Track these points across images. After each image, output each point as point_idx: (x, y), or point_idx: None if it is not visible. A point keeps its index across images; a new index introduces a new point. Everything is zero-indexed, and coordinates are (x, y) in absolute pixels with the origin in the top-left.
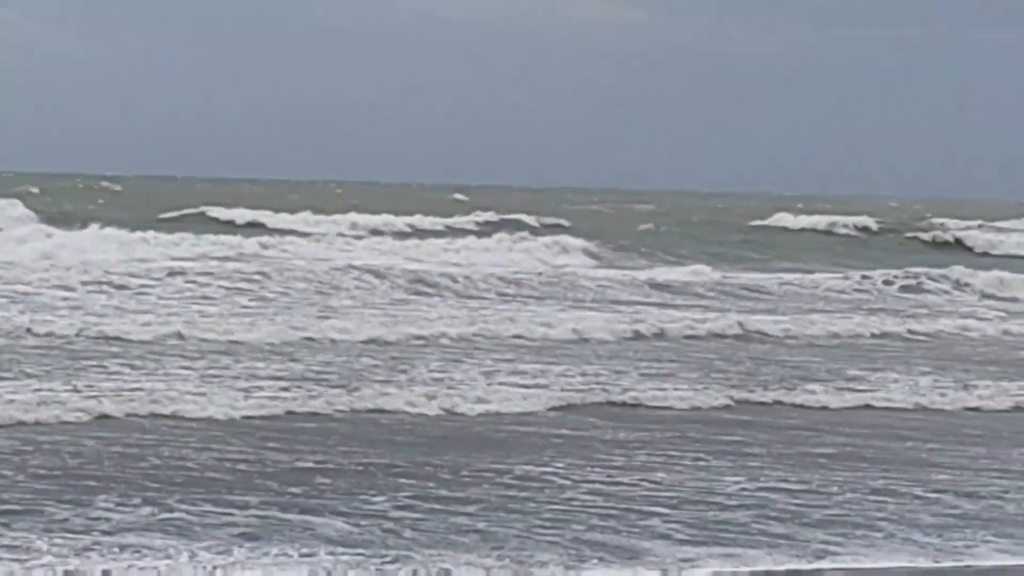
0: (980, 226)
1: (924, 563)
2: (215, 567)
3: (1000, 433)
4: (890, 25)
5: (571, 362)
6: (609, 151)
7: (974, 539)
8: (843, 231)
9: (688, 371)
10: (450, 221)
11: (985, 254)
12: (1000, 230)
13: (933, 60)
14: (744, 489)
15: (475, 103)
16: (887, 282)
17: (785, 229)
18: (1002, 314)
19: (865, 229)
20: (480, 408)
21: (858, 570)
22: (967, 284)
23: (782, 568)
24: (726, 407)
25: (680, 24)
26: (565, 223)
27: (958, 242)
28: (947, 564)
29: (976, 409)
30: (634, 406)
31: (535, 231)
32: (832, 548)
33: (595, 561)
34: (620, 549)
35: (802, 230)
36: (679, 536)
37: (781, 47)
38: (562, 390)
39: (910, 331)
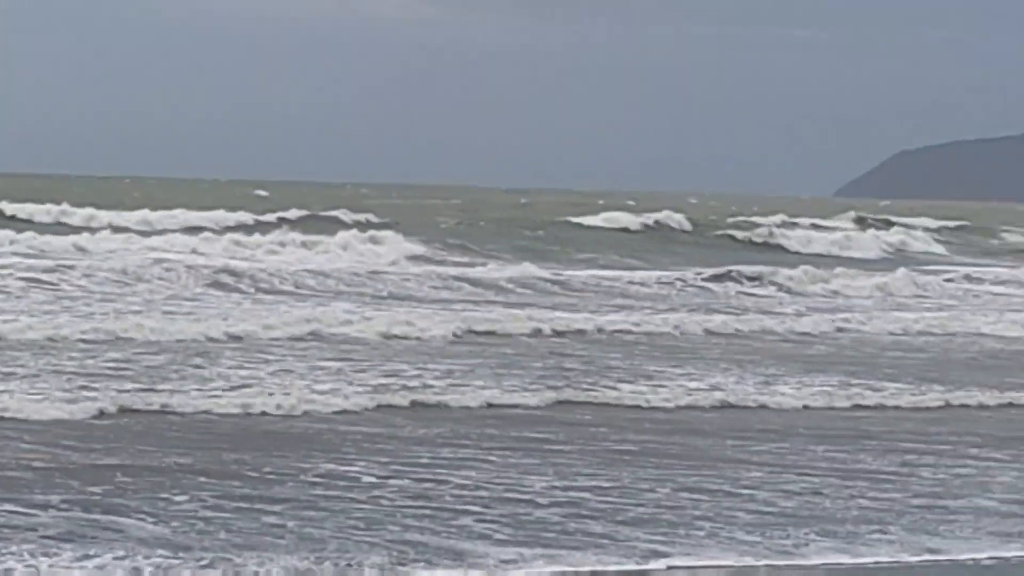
0: (783, 223)
1: (761, 562)
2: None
3: (797, 429)
4: (686, 21)
5: (377, 359)
6: (407, 146)
7: (798, 537)
8: (652, 227)
9: (492, 368)
10: (261, 217)
11: (797, 252)
12: (815, 227)
13: (728, 57)
14: (555, 487)
15: (268, 98)
16: (696, 279)
17: (591, 227)
18: (804, 311)
19: (666, 227)
20: (276, 403)
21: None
22: (775, 283)
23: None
24: (531, 405)
25: (475, 20)
26: (374, 218)
27: (767, 240)
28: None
29: (765, 407)
30: (436, 406)
31: (347, 227)
32: (659, 548)
33: (421, 564)
34: (442, 550)
35: (608, 228)
36: (498, 536)
37: (575, 43)
38: (364, 387)
39: (718, 327)
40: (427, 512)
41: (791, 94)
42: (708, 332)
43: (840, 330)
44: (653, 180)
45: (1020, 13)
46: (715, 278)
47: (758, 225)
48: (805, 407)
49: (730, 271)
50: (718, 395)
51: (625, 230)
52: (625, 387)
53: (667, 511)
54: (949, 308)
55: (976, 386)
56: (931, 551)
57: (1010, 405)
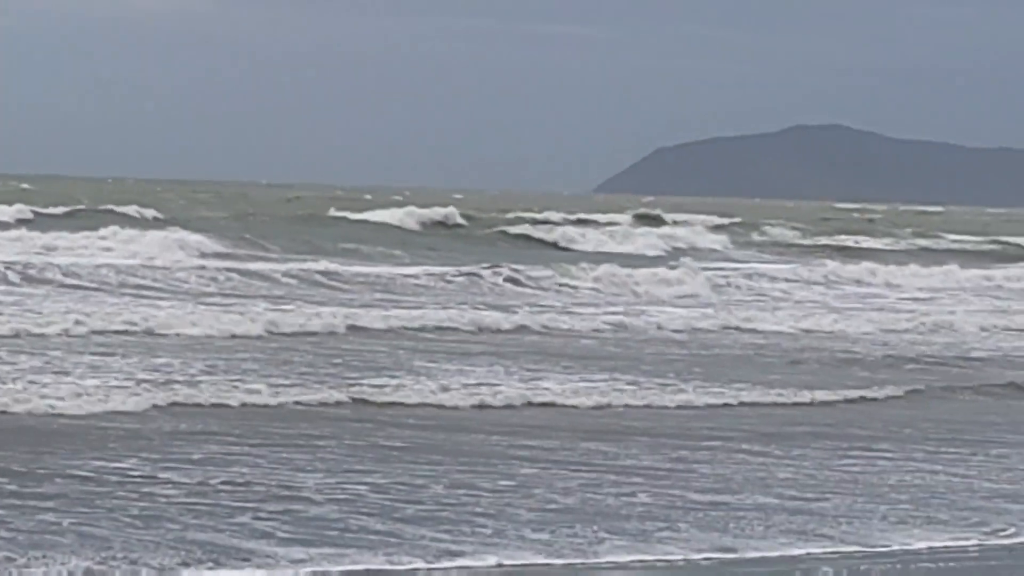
0: (564, 221)
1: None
2: None
3: (562, 425)
4: (463, 14)
5: (144, 355)
6: (174, 141)
7: (588, 535)
8: (427, 224)
9: (262, 363)
10: (43, 210)
11: (567, 249)
12: (589, 223)
13: (499, 53)
14: (328, 483)
15: (25, 91)
16: (469, 274)
17: (372, 222)
18: (573, 307)
19: (440, 224)
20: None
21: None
22: (549, 277)
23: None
24: (291, 402)
25: (247, 16)
26: (160, 215)
27: (543, 237)
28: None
29: (530, 403)
30: (200, 405)
31: (136, 222)
32: (450, 547)
33: (208, 564)
34: (229, 549)
35: (382, 223)
36: (280, 535)
37: (345, 39)
38: (132, 383)
39: (490, 323)
40: (203, 509)
41: (557, 90)
42: (480, 328)
43: (614, 326)
44: (421, 176)
45: (778, 11)
46: (488, 273)
47: (534, 221)
48: (571, 405)
49: (499, 267)
50: (484, 390)
51: (399, 227)
52: (392, 382)
53: (447, 508)
54: (736, 304)
55: (742, 382)
56: (723, 549)
57: (774, 404)
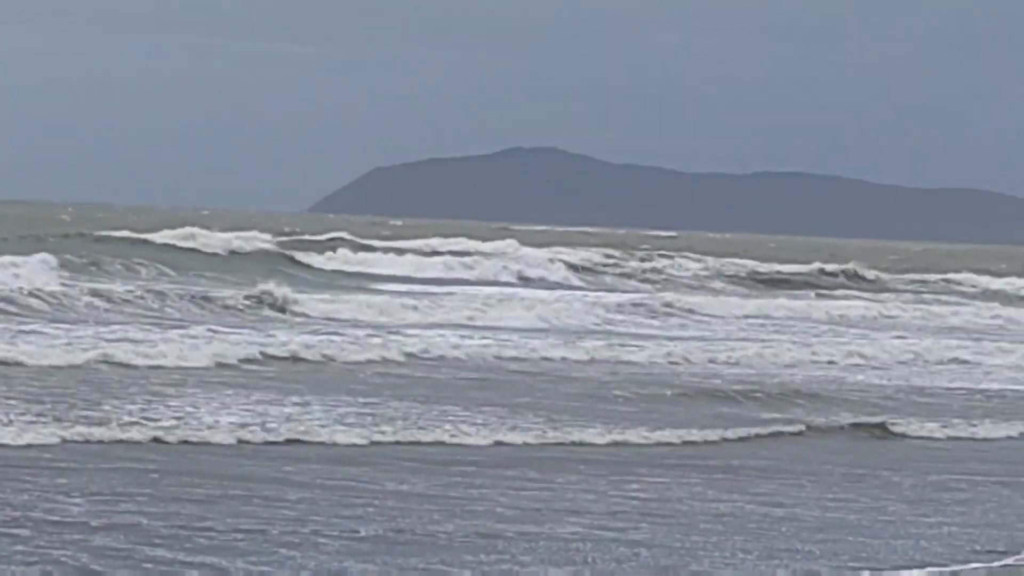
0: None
1: None
2: None
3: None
4: (157, 33)
5: None
6: None
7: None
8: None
9: None
10: None
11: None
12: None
13: (223, 72)
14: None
15: None
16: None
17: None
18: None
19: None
20: None
21: None
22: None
23: None
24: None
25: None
26: None
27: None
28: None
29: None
30: None
31: None
32: None
33: None
34: None
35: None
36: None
37: (62, 54)
38: None
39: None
40: None
41: (276, 109)
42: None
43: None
44: (137, 194)
45: (494, 33)
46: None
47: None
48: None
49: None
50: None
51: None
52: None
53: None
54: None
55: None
56: None
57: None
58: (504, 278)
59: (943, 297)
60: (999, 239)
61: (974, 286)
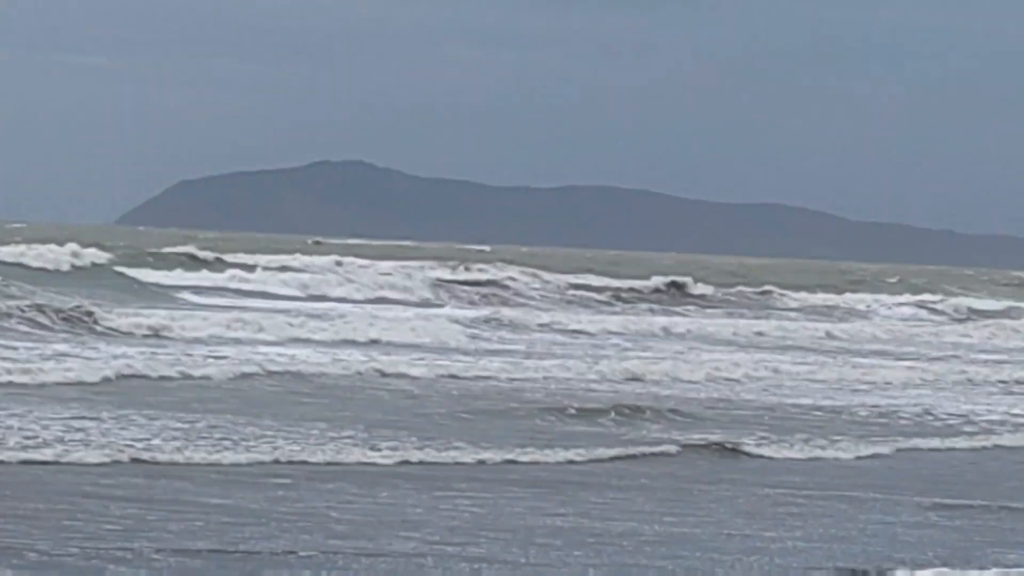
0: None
1: None
2: None
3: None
4: None
5: None
6: None
7: None
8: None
9: None
10: None
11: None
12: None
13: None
14: None
15: None
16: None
17: None
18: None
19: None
20: None
21: None
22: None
23: None
24: None
25: None
26: None
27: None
28: None
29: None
30: None
31: None
32: None
33: None
34: None
35: None
36: None
37: None
38: None
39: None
40: None
41: (80, 121)
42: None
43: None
44: None
45: (300, 46)
46: None
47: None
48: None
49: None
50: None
51: None
52: None
53: None
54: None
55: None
56: None
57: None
58: (362, 295)
59: (778, 312)
60: (801, 253)
61: (801, 301)
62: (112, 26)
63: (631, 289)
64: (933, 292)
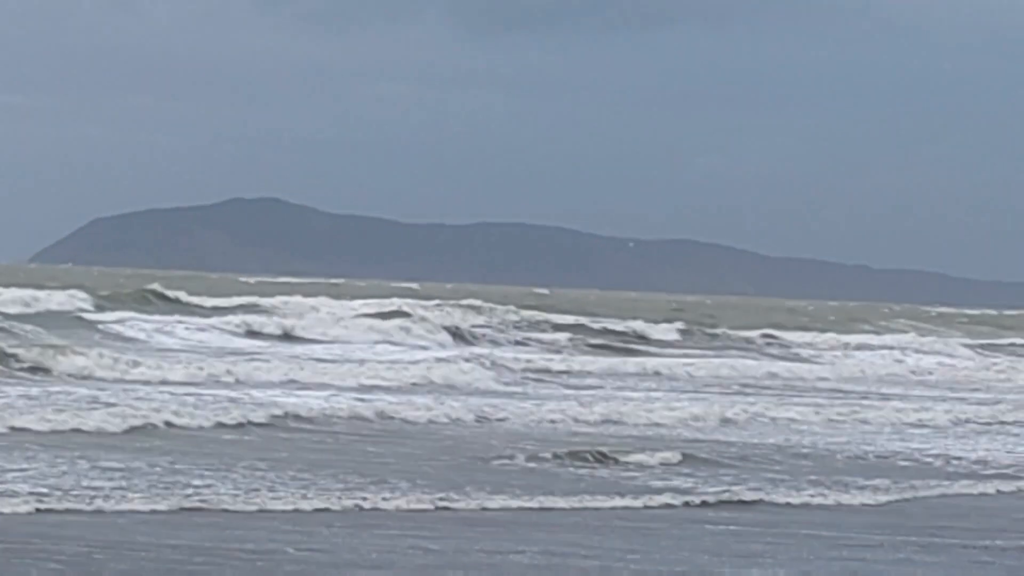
0: None
1: None
2: None
3: None
4: None
5: None
6: None
7: None
8: None
9: None
10: None
11: None
12: None
13: None
14: None
15: None
16: None
17: None
18: None
19: None
20: None
21: None
22: None
23: None
24: None
25: None
26: None
27: None
28: None
29: None
30: None
31: None
32: None
33: None
34: None
35: None
36: None
37: None
38: None
39: None
40: None
41: None
42: None
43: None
44: None
45: (212, 84)
46: None
47: None
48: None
49: None
50: None
51: None
52: None
53: None
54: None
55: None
56: None
57: None
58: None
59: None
60: (717, 289)
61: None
62: (27, 64)
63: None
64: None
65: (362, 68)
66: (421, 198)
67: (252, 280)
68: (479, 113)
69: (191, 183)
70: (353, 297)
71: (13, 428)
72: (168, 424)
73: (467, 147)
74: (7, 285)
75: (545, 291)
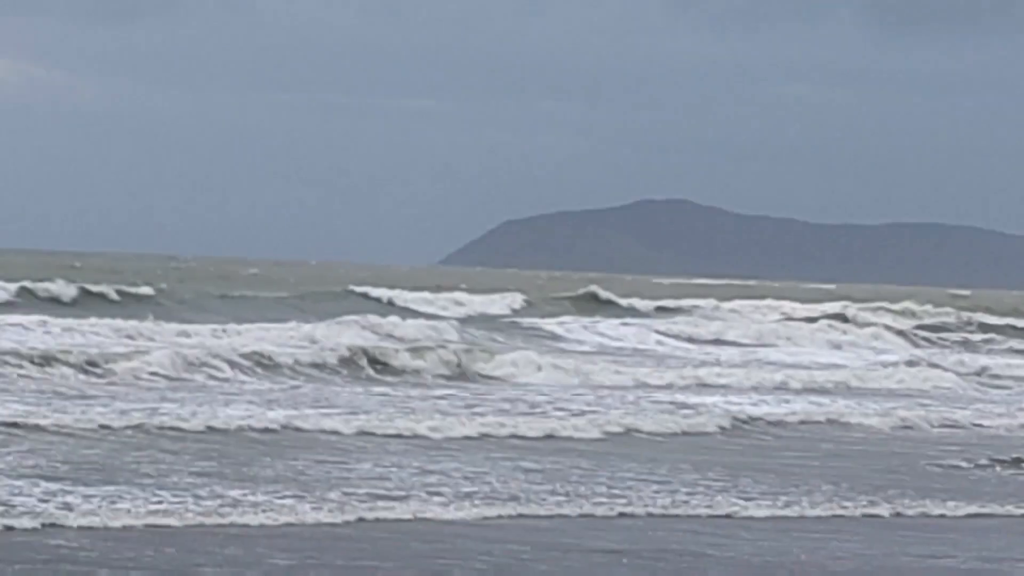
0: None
1: None
2: None
3: None
4: (290, 92)
5: None
6: None
7: None
8: None
9: None
10: None
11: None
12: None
13: (339, 128)
14: None
15: None
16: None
17: None
18: None
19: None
20: None
21: None
22: None
23: None
24: None
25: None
26: None
27: None
28: None
29: None
30: None
31: None
32: None
33: None
34: None
35: None
36: None
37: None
38: None
39: None
40: None
41: (406, 164)
42: None
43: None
44: (270, 248)
45: (621, 87)
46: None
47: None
48: None
49: None
50: None
51: None
52: None
53: None
54: None
55: None
56: None
57: None
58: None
59: None
60: None
61: None
62: (438, 70)
63: None
64: None
65: (771, 68)
66: (831, 198)
67: (667, 282)
68: (890, 113)
69: (600, 185)
70: (777, 298)
71: None
72: None
73: (878, 147)
74: (418, 288)
75: (966, 292)
